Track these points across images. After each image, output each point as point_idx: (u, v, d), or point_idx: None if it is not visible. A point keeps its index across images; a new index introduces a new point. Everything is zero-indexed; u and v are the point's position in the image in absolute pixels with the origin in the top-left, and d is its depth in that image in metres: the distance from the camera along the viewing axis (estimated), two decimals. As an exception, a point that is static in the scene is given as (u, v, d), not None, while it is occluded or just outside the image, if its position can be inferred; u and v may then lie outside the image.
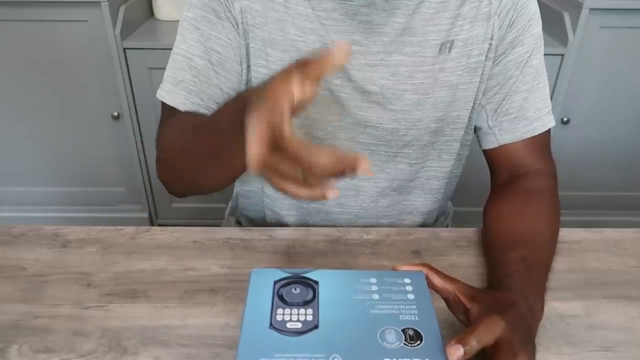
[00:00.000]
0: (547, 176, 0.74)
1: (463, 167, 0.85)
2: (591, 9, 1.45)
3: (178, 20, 0.73)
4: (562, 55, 1.52)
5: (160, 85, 0.73)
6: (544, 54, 0.74)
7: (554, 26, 1.54)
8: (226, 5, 0.67)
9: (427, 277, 0.53)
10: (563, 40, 1.51)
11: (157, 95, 0.73)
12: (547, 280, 0.61)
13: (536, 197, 0.70)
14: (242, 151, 0.41)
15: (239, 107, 0.47)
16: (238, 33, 0.69)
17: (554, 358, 0.55)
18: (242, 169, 0.54)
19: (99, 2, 1.44)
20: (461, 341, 0.43)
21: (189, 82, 0.70)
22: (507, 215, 0.69)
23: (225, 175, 0.64)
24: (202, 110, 0.71)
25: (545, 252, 0.64)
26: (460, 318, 0.52)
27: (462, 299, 0.51)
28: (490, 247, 0.67)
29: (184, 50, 0.70)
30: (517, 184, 0.73)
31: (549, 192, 0.72)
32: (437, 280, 0.53)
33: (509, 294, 0.53)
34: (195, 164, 0.64)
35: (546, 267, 0.62)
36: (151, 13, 1.74)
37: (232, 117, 0.51)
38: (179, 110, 0.71)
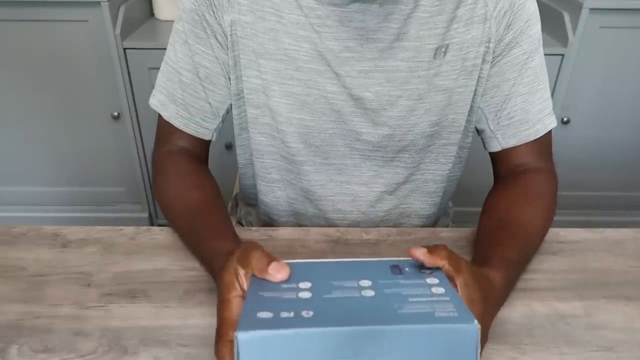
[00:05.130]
0: (547, 176, 0.74)
1: (463, 169, 0.84)
2: (591, 9, 1.45)
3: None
4: (562, 55, 1.52)
5: (153, 92, 0.75)
6: (544, 54, 0.73)
7: (554, 26, 1.54)
8: (216, 18, 0.67)
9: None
10: (563, 40, 1.51)
11: (151, 104, 0.75)
12: (520, 264, 0.63)
13: (535, 194, 0.71)
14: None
15: (213, 272, 0.58)
16: (225, 48, 0.69)
17: (554, 358, 0.55)
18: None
19: (99, 2, 1.44)
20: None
21: (178, 95, 0.73)
22: (502, 205, 0.70)
23: None
24: (192, 125, 0.74)
25: (529, 242, 0.65)
26: None
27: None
28: (479, 230, 0.69)
29: (175, 62, 0.72)
30: (518, 180, 0.73)
31: (548, 192, 0.72)
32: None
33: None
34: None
35: (522, 253, 0.63)
36: (151, 13, 1.74)
37: (208, 270, 0.61)
38: (176, 129, 0.74)
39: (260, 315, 0.39)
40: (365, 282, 0.45)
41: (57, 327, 0.57)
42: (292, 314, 0.40)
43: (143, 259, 0.67)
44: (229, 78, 0.71)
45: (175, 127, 0.74)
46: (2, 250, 0.69)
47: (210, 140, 0.77)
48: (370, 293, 0.43)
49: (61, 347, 0.55)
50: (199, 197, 0.69)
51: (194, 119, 0.74)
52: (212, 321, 0.57)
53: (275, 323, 0.39)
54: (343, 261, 0.49)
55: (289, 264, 0.47)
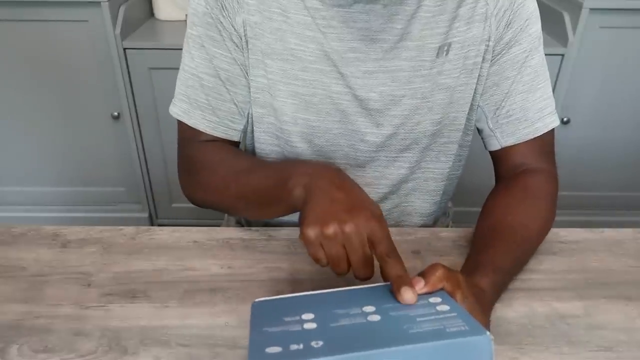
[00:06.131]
0: (547, 177, 0.73)
1: (463, 168, 0.84)
2: (591, 9, 1.45)
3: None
4: (562, 55, 1.52)
5: (173, 101, 0.74)
6: (544, 54, 0.73)
7: (554, 26, 1.54)
8: (229, 19, 0.67)
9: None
10: (563, 40, 1.51)
11: (172, 113, 0.74)
12: (512, 269, 0.63)
13: (534, 196, 0.71)
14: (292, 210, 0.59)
15: (291, 193, 0.58)
16: (241, 49, 0.69)
17: (554, 358, 0.55)
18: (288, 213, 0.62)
19: (99, 2, 1.44)
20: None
21: (202, 101, 0.72)
22: (499, 208, 0.70)
23: (266, 216, 0.73)
24: (221, 128, 0.73)
25: (522, 247, 0.65)
26: None
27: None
28: (475, 232, 0.69)
29: (193, 68, 0.71)
30: (516, 181, 0.73)
31: (547, 194, 0.72)
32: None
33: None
34: (237, 209, 0.74)
35: (514, 258, 0.63)
36: (151, 13, 1.74)
37: (284, 197, 0.59)
38: (202, 133, 0.73)
39: (268, 351, 0.39)
40: (369, 308, 0.45)
41: (57, 327, 0.57)
42: (301, 346, 0.39)
43: (143, 259, 0.67)
44: (247, 77, 0.71)
45: (201, 132, 0.73)
46: (2, 250, 0.69)
47: (238, 142, 0.77)
48: (377, 317, 0.43)
49: (61, 347, 0.55)
50: (249, 158, 0.74)
51: (222, 122, 0.73)
52: (212, 321, 0.58)
53: (286, 356, 0.38)
54: (341, 290, 0.49)
55: (286, 299, 0.48)
